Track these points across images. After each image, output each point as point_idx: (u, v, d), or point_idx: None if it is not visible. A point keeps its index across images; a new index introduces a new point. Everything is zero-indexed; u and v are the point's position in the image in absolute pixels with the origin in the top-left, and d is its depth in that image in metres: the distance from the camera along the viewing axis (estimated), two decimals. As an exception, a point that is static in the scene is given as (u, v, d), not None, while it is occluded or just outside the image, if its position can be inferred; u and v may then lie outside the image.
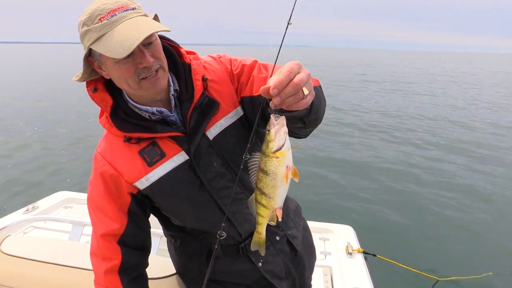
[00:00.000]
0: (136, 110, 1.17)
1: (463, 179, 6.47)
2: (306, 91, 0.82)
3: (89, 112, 11.94)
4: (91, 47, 1.01)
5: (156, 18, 1.10)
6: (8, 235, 1.91)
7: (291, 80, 0.79)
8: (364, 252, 2.70)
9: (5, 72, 30.76)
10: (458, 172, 6.77)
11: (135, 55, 1.02)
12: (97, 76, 1.15)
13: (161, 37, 1.18)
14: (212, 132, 1.20)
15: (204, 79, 1.19)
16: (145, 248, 1.33)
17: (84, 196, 3.56)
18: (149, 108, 1.16)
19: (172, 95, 1.19)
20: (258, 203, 0.92)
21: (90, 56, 1.08)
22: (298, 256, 1.46)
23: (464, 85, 22.71)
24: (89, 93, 1.15)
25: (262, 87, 0.81)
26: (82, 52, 1.07)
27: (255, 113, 1.13)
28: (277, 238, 1.39)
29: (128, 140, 1.17)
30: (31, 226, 3.02)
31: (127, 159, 1.17)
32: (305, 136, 1.19)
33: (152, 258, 1.76)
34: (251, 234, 1.31)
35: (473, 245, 4.45)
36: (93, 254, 1.27)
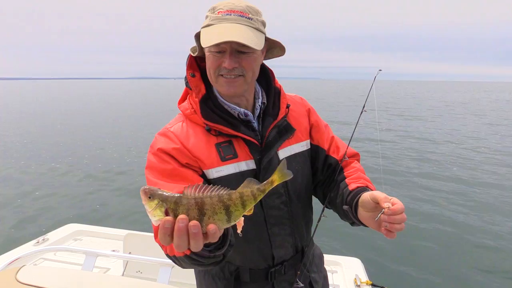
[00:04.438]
0: (225, 106, 1.26)
1: (479, 202, 6.42)
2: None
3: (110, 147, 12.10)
4: (201, 30, 1.17)
5: (271, 41, 1.26)
6: (24, 265, 1.94)
7: (402, 214, 1.01)
8: (373, 285, 2.69)
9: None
10: (477, 196, 6.73)
11: (225, 54, 1.14)
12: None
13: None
14: (283, 153, 1.29)
15: (288, 106, 1.34)
16: None
17: (93, 228, 3.61)
18: (237, 107, 1.25)
19: (259, 105, 1.30)
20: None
21: None
22: None
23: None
24: (187, 76, 1.27)
25: (383, 195, 1.05)
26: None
27: (312, 164, 1.41)
28: (302, 277, 1.38)
29: (209, 130, 1.21)
30: (41, 258, 3.04)
31: (202, 146, 1.20)
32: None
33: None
34: (282, 262, 1.34)
35: (488, 278, 4.38)
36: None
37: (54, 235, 3.40)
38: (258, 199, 0.83)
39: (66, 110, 27.87)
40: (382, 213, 1.02)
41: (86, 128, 16.94)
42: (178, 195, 0.75)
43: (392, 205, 1.01)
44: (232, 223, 0.78)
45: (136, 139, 13.83)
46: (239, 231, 0.80)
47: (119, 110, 27.41)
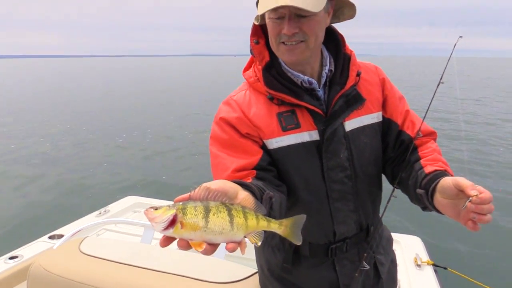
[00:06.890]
0: (289, 74, 1.21)
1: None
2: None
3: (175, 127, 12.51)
4: None
5: (339, 0, 1.19)
6: (86, 236, 2.03)
7: (490, 205, 0.89)
8: (434, 265, 2.54)
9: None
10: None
11: (284, 20, 1.08)
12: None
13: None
14: (350, 124, 1.23)
15: (358, 74, 1.24)
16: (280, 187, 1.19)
17: (151, 201, 3.74)
18: (301, 75, 1.20)
19: (326, 73, 1.23)
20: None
21: None
22: (380, 284, 1.38)
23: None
24: (251, 43, 1.23)
25: (469, 182, 0.93)
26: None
27: (383, 138, 1.30)
28: (366, 256, 1.32)
29: (271, 98, 1.19)
30: (103, 228, 3.20)
31: (263, 115, 1.19)
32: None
33: (219, 263, 1.79)
34: (344, 239, 1.29)
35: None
36: None
37: (115, 207, 3.55)
38: (260, 225, 0.81)
39: (130, 87, 29.17)
40: (469, 202, 0.92)
41: (156, 103, 17.58)
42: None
43: (479, 193, 0.90)
44: (235, 232, 0.77)
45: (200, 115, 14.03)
46: (242, 252, 0.79)
47: (181, 87, 28.10)
